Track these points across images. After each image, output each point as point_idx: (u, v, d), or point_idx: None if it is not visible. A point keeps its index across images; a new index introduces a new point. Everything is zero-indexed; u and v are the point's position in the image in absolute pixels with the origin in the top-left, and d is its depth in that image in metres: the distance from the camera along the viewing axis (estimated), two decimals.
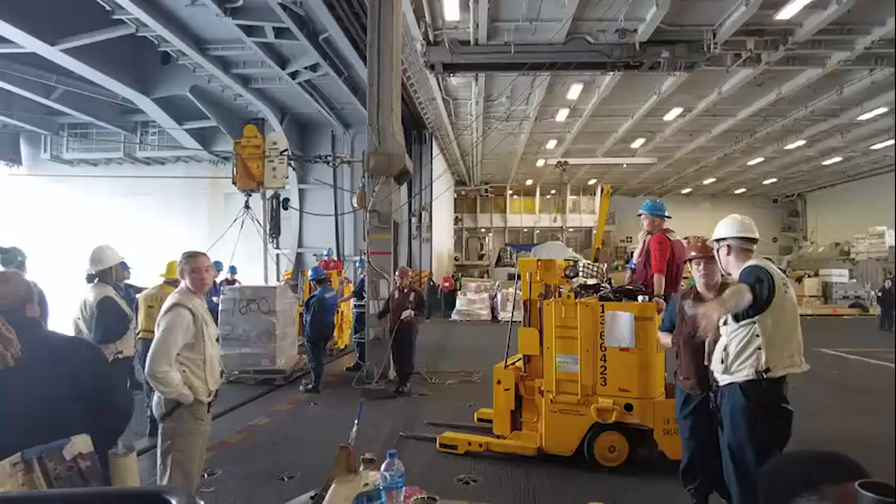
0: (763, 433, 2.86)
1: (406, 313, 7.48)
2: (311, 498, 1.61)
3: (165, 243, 12.80)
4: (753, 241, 3.13)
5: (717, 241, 3.21)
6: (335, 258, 12.62)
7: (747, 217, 3.23)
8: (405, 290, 7.75)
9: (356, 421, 1.82)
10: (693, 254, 3.52)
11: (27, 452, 1.63)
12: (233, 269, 10.81)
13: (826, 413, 6.41)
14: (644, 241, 5.18)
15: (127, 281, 7.91)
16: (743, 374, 2.92)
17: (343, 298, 10.06)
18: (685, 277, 4.95)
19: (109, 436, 2.11)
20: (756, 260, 3.08)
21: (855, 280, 23.39)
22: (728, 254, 3.16)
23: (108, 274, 4.57)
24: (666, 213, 5.16)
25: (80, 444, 1.74)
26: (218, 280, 9.58)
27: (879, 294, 17.42)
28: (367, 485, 1.54)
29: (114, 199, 21.24)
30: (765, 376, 2.86)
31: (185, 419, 2.85)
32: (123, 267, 7.84)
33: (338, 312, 9.56)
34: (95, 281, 4.54)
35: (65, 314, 4.82)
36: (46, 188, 21.37)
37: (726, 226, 3.18)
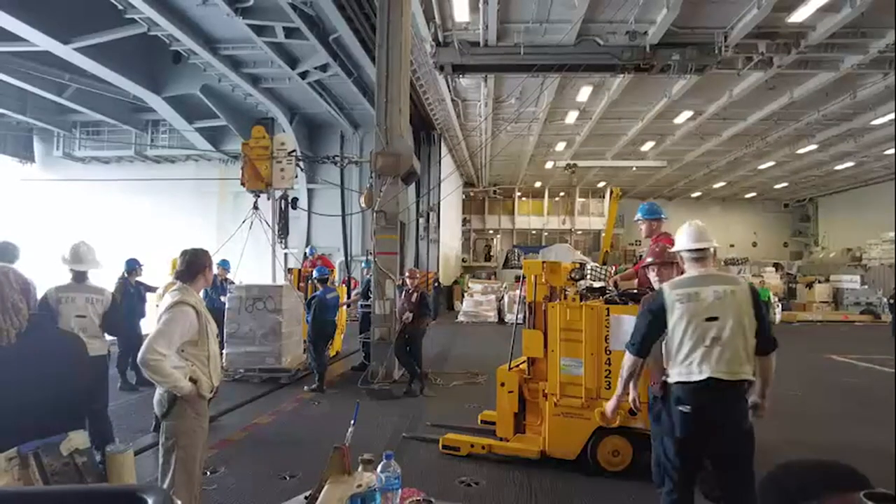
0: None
1: (405, 315, 7.62)
2: (305, 498, 1.60)
3: (175, 242, 12.84)
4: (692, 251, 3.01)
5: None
6: (321, 255, 12.20)
7: (700, 225, 3.08)
8: (410, 292, 7.79)
9: (352, 422, 1.82)
10: (650, 259, 3.47)
11: (23, 447, 1.62)
12: (225, 265, 9.64)
13: (831, 420, 6.32)
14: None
15: (138, 279, 8.03)
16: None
17: (340, 303, 9.62)
18: None
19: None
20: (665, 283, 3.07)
21: (867, 286, 23.07)
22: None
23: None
24: (663, 216, 5.07)
25: (77, 439, 1.73)
26: (232, 279, 9.58)
27: (892, 301, 17.15)
28: (360, 486, 1.52)
29: (124, 197, 21.44)
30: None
31: (187, 416, 2.82)
32: (135, 265, 7.94)
33: None
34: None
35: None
36: (58, 184, 21.62)
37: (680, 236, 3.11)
